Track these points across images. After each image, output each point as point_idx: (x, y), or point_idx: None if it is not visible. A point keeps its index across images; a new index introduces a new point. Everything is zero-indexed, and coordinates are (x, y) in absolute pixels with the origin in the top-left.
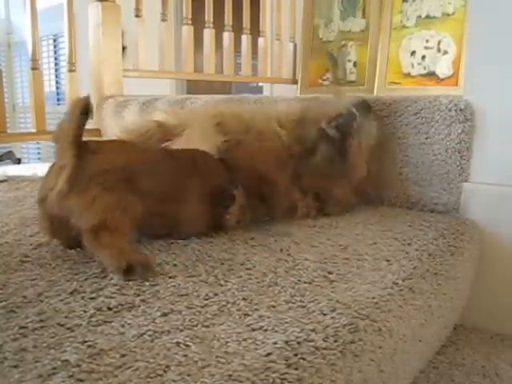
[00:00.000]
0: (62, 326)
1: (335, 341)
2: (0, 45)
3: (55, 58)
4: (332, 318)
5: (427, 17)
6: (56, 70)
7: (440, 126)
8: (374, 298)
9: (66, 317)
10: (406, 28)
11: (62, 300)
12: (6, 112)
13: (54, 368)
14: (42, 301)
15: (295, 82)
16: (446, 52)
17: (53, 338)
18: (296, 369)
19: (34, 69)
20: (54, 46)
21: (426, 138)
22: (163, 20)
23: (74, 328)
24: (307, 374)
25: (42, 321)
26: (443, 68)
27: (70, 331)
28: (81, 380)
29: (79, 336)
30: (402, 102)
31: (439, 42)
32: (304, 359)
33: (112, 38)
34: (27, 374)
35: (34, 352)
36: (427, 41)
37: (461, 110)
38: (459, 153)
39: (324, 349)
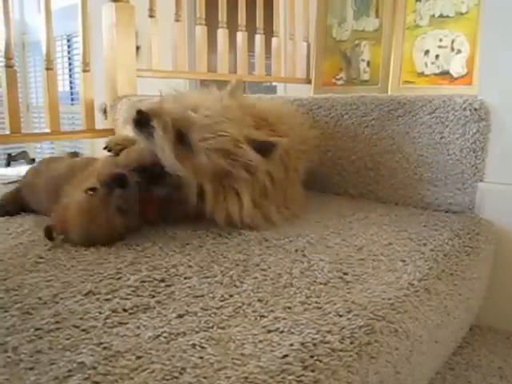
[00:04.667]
0: (77, 327)
1: (351, 342)
2: (14, 45)
3: (69, 58)
4: (348, 319)
5: (440, 16)
6: (70, 70)
7: (455, 125)
8: (389, 299)
9: (81, 318)
10: (419, 27)
11: (77, 301)
12: (20, 112)
13: (70, 370)
14: (57, 302)
15: (309, 81)
16: (459, 51)
17: (68, 339)
18: (312, 371)
19: (48, 69)
20: (68, 46)
21: (441, 138)
22: (177, 20)
23: (89, 330)
24: (323, 375)
25: (57, 322)
26: (457, 67)
27: (86, 333)
28: (97, 382)
29: (95, 338)
30: (417, 102)
31: (453, 41)
32: (320, 361)
33: (126, 39)
34: (43, 376)
35: (50, 354)
36: (441, 40)
37: (475, 109)
38: (474, 152)
39: (340, 350)
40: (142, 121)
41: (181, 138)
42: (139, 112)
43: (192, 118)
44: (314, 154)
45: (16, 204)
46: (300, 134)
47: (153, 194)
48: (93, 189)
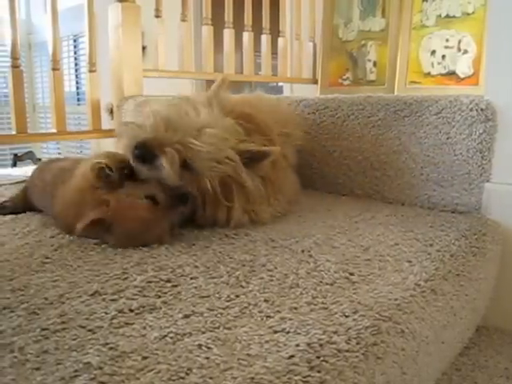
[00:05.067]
0: (83, 327)
1: (357, 343)
2: (21, 45)
3: (75, 59)
4: (354, 319)
5: (447, 16)
6: (76, 71)
7: (461, 126)
8: (396, 299)
9: (87, 319)
10: (425, 27)
11: (83, 302)
12: (27, 112)
13: (76, 370)
14: (63, 302)
15: (315, 81)
16: (466, 51)
17: (74, 340)
18: (318, 371)
19: (54, 69)
20: (74, 47)
21: (447, 138)
22: (183, 20)
23: (95, 330)
24: (330, 376)
25: (63, 322)
26: (463, 67)
27: (92, 333)
28: (103, 382)
29: (101, 338)
30: (423, 102)
31: (459, 42)
32: (326, 362)
33: (132, 39)
34: (49, 377)
35: (56, 354)
36: (447, 40)
37: (482, 109)
38: (480, 153)
39: (346, 351)
40: (147, 156)
41: (184, 165)
42: (141, 146)
43: (196, 147)
44: (299, 134)
45: (21, 204)
46: (280, 117)
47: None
48: (150, 197)
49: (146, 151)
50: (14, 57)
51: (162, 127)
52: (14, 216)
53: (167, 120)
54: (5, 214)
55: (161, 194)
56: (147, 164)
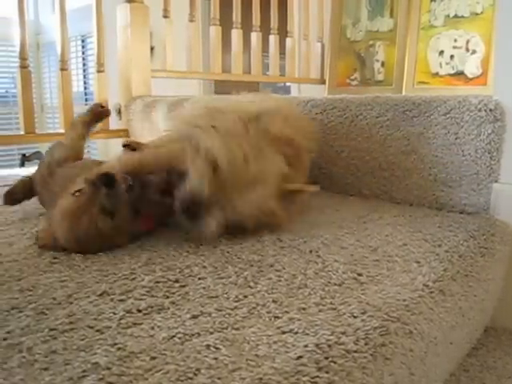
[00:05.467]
0: (91, 328)
1: (366, 344)
2: (29, 45)
3: (83, 59)
4: (362, 320)
5: (455, 16)
6: (84, 71)
7: (470, 126)
8: (404, 300)
9: (95, 319)
10: (434, 27)
11: (91, 302)
12: (35, 112)
13: (84, 371)
14: (71, 302)
15: (323, 82)
16: (474, 51)
17: (83, 340)
18: (327, 372)
19: (62, 69)
20: (82, 47)
21: (456, 139)
22: (191, 20)
23: (103, 330)
24: (338, 377)
25: (71, 323)
26: (472, 68)
27: (100, 333)
28: (111, 383)
29: (109, 338)
30: (432, 103)
31: (468, 42)
32: (335, 362)
33: (140, 39)
34: (57, 377)
35: (64, 354)
36: (455, 40)
37: (491, 110)
38: (489, 153)
39: (355, 352)
40: (193, 214)
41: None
42: (191, 203)
43: (240, 208)
44: (314, 145)
45: (25, 192)
46: (303, 127)
47: (153, 205)
48: (80, 190)
49: (194, 209)
50: (23, 57)
51: (211, 173)
52: (22, 216)
53: (218, 167)
54: (14, 204)
55: (83, 184)
56: (193, 220)
